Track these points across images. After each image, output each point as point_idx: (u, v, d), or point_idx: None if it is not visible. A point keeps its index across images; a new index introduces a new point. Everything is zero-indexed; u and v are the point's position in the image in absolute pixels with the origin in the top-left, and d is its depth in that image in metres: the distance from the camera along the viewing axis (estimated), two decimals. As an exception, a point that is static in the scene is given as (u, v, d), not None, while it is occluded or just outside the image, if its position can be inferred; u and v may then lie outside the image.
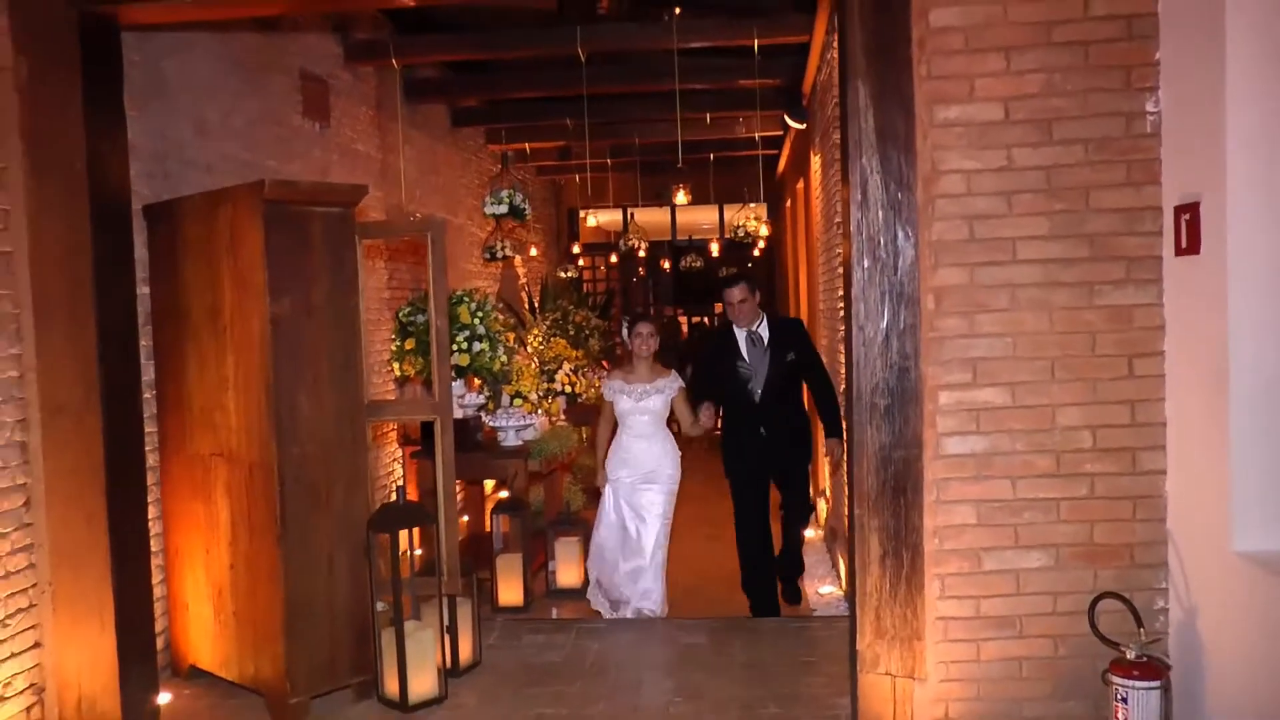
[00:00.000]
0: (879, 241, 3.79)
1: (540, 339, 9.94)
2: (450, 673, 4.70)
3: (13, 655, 3.94)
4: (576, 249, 15.28)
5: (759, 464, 6.19)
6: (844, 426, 5.46)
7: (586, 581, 6.38)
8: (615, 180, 13.65)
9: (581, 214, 15.69)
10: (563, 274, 13.14)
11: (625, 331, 6.15)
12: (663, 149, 11.95)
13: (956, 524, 3.82)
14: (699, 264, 14.21)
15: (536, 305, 11.63)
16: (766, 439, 6.12)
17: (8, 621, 3.93)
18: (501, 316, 7.21)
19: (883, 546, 3.84)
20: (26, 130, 3.90)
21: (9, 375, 3.98)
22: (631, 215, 13.93)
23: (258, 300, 4.23)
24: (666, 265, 17.66)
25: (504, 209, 7.63)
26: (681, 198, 9.34)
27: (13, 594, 3.96)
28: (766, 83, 8.16)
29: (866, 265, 3.81)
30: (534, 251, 12.96)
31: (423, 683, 4.49)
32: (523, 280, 12.73)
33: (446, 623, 4.76)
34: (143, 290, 4.71)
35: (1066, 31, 3.72)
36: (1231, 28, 3.25)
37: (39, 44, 3.90)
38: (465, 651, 4.89)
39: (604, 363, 10.92)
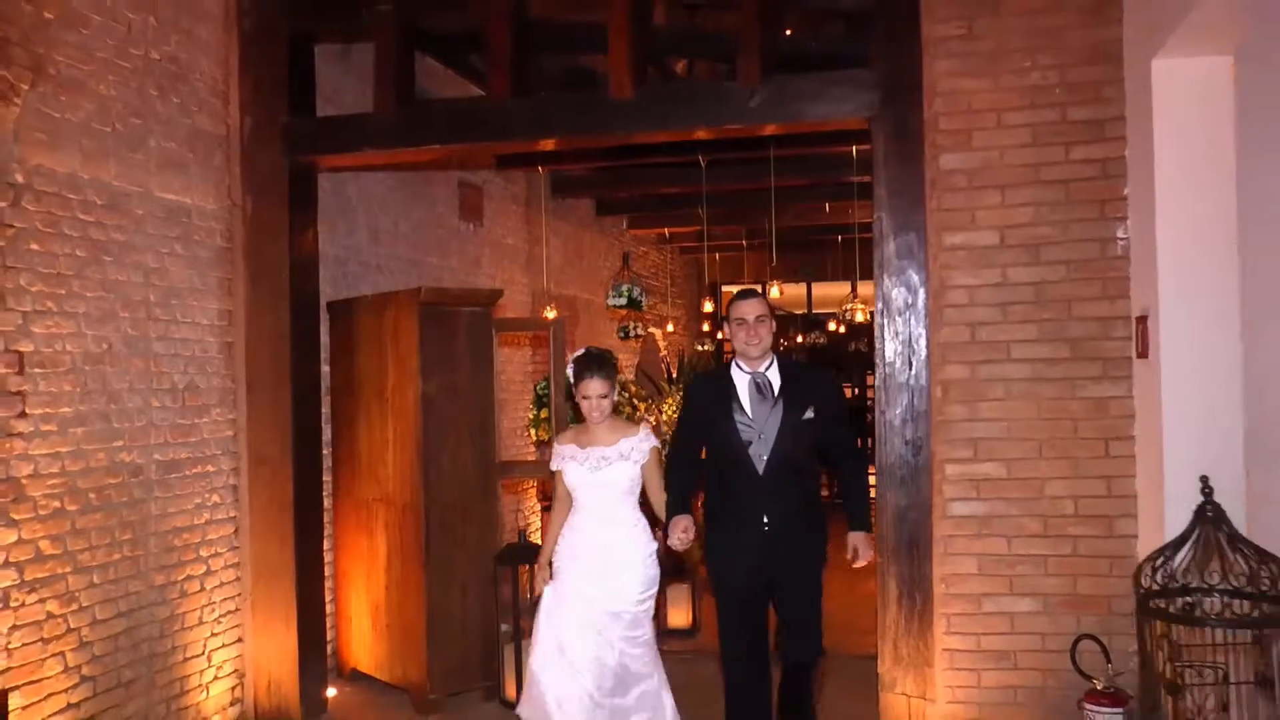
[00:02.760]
0: (898, 342, 4.70)
1: (674, 407, 10.97)
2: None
3: (223, 645, 5.19)
4: (706, 327, 16.29)
5: (758, 566, 4.17)
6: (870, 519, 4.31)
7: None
8: (750, 258, 14.68)
9: (723, 289, 16.78)
10: (700, 347, 14.18)
11: (570, 377, 4.46)
12: (796, 230, 12.96)
13: (960, 573, 4.64)
14: (822, 340, 15.01)
15: (674, 375, 12.70)
16: (770, 533, 4.14)
17: (220, 620, 5.17)
18: (634, 388, 8.24)
19: (899, 589, 4.69)
20: (248, 251, 5.23)
21: (226, 434, 5.26)
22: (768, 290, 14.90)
23: (413, 380, 5.39)
24: (800, 339, 18.50)
25: (623, 301, 8.73)
26: (775, 291, 10.14)
27: (225, 599, 5.21)
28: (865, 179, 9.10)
29: (888, 359, 4.72)
30: (670, 328, 14.06)
31: (533, 691, 5.50)
32: (663, 352, 13.82)
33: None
34: (324, 369, 5.95)
35: (1052, 172, 4.58)
36: (1159, 174, 4.07)
37: (260, 187, 5.24)
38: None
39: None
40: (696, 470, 4.42)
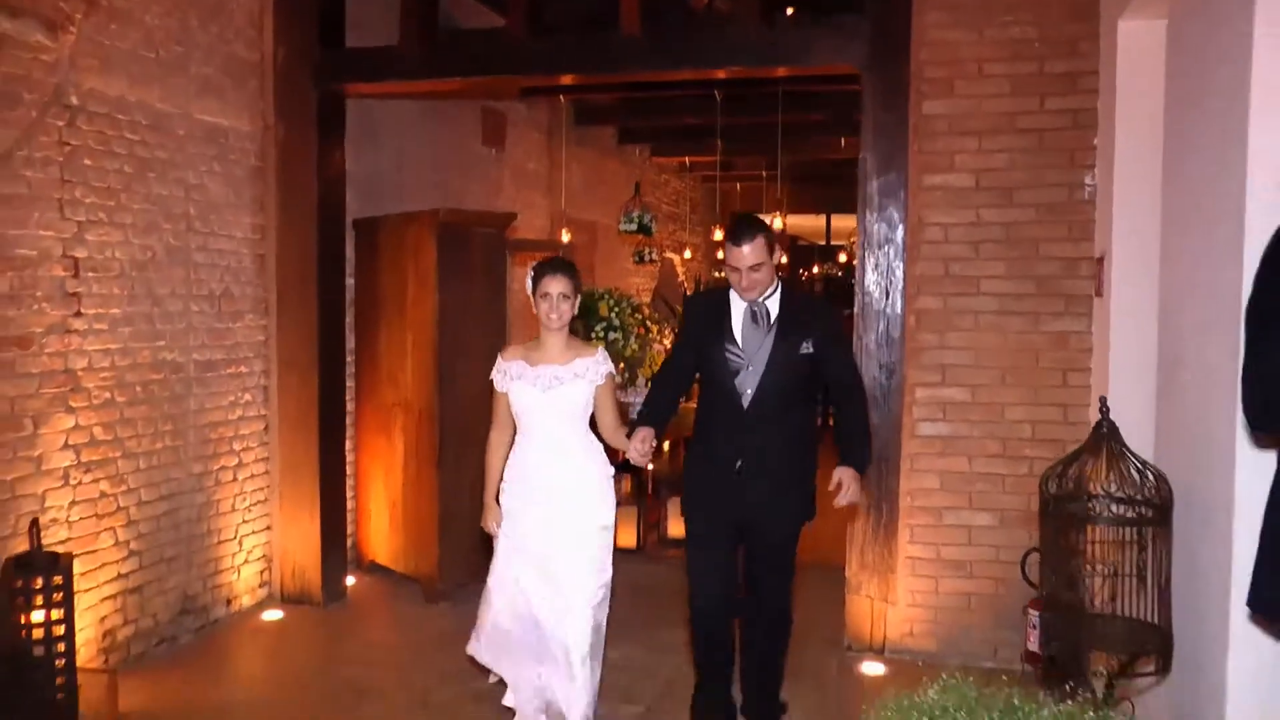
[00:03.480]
0: (877, 273, 5.07)
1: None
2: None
3: (253, 532, 5.72)
4: (721, 255, 16.58)
5: (727, 509, 3.97)
6: (868, 458, 4.07)
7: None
8: (769, 189, 14.95)
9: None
10: (717, 274, 14.53)
11: (530, 287, 4.06)
12: (813, 164, 13.24)
13: (925, 488, 5.06)
14: (838, 271, 15.33)
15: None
16: (743, 477, 3.91)
17: (251, 509, 5.69)
18: (647, 310, 8.64)
19: (868, 501, 5.12)
20: (280, 171, 5.65)
21: (258, 339, 5.72)
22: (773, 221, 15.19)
23: (430, 294, 5.81)
24: (816, 269, 18.81)
25: (634, 227, 9.10)
26: (778, 222, 10.41)
27: (255, 490, 5.73)
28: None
29: (868, 289, 5.09)
30: (688, 254, 14.40)
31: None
32: (681, 278, 14.19)
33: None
34: (350, 281, 6.38)
35: (1026, 121, 4.90)
36: (1119, 127, 4.41)
37: (291, 111, 5.64)
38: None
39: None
40: (678, 394, 4.22)
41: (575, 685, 3.89)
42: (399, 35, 5.59)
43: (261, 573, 5.83)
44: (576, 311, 4.10)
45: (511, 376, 4.06)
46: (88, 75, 4.57)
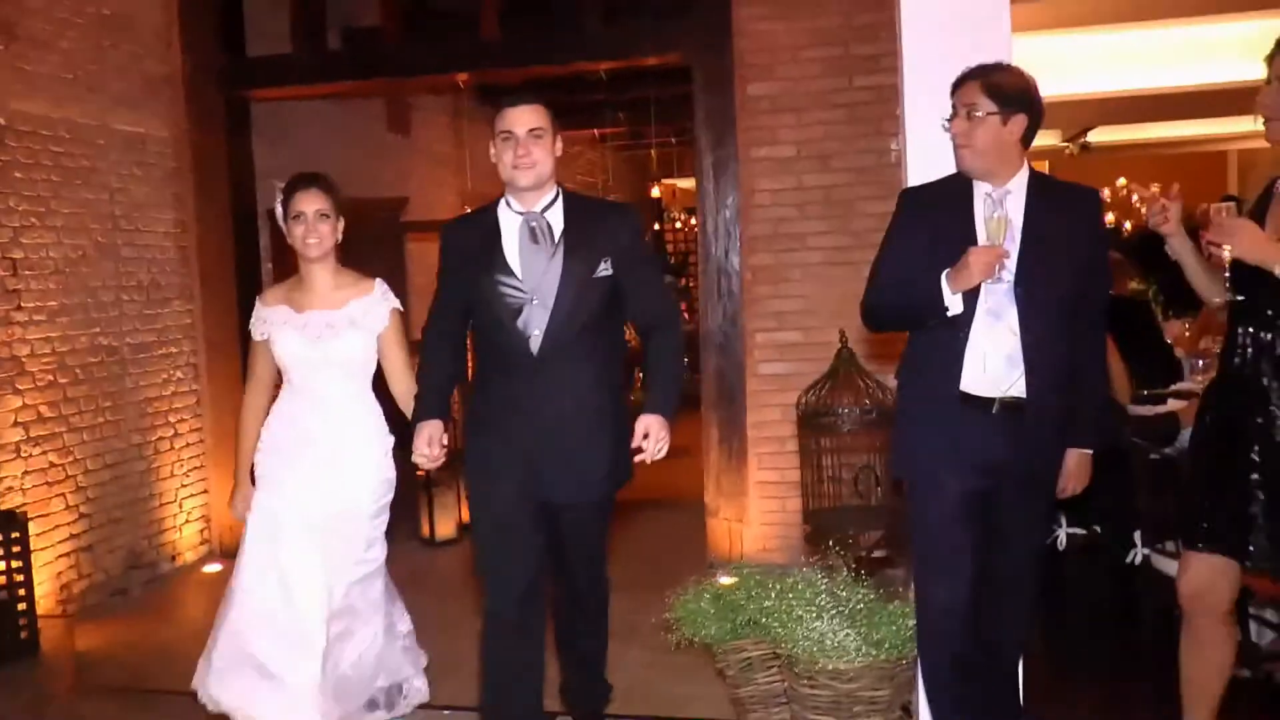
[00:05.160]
0: (715, 236, 5.85)
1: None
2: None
3: (191, 495, 6.46)
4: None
5: (528, 485, 3.17)
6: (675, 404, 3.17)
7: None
8: (682, 154, 15.69)
9: (667, 183, 17.83)
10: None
11: (280, 212, 3.50)
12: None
13: (767, 420, 5.86)
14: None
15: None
16: (543, 440, 3.14)
17: (189, 475, 6.43)
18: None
19: (720, 433, 5.91)
20: (195, 171, 6.34)
21: (185, 322, 6.43)
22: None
23: (337, 274, 6.53)
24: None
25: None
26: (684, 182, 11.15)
27: (191, 458, 6.46)
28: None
29: (710, 253, 5.87)
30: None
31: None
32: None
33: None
34: (268, 267, 7.07)
35: (838, 97, 5.69)
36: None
37: (201, 117, 6.32)
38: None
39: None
40: (458, 360, 3.37)
41: (304, 684, 3.29)
42: (290, 42, 6.28)
43: (201, 531, 6.56)
44: (341, 237, 3.49)
45: (274, 323, 3.45)
46: (12, 98, 5.23)
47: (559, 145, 3.19)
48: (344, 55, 6.49)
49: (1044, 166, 13.10)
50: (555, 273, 3.11)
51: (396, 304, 3.50)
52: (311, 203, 3.40)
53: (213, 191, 6.37)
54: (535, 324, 3.10)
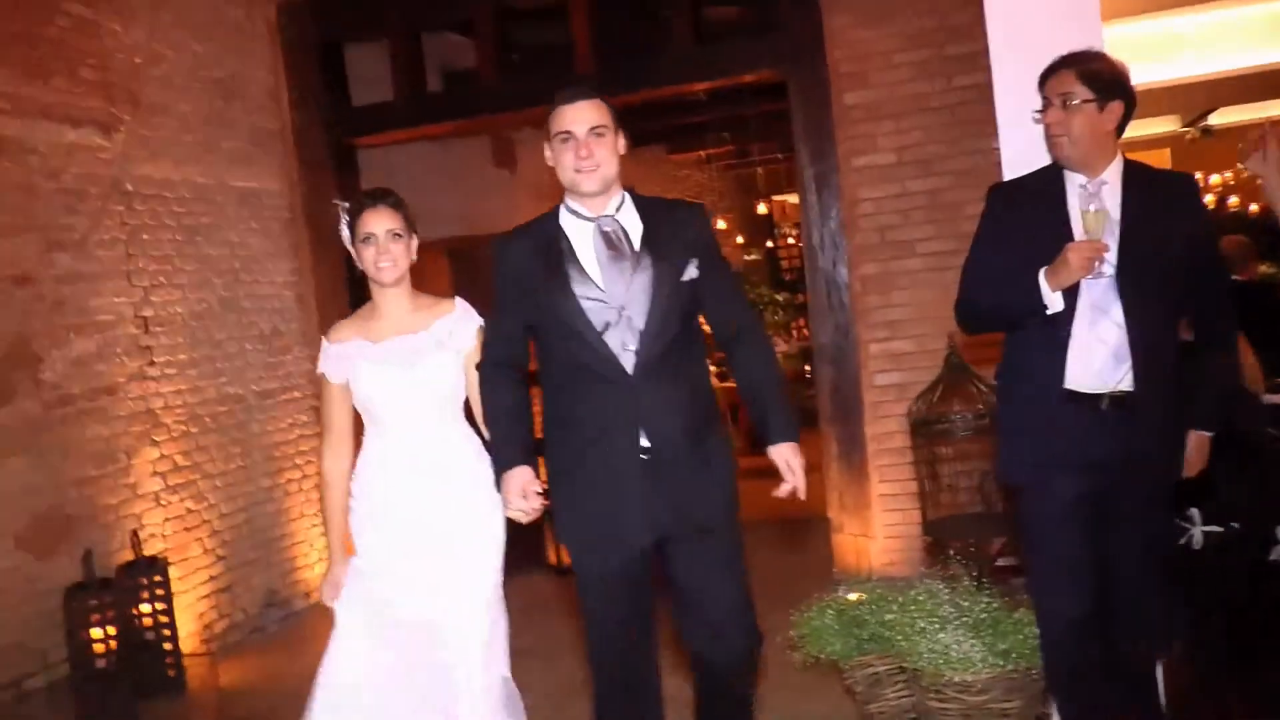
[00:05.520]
0: (821, 249, 5.79)
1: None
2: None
3: (321, 534, 6.62)
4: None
5: (640, 519, 2.75)
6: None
7: None
8: (790, 170, 15.62)
9: (776, 199, 17.77)
10: (746, 257, 15.24)
11: (346, 234, 3.14)
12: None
13: (886, 431, 5.75)
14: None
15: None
16: (653, 462, 2.74)
17: (317, 514, 6.61)
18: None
19: (840, 448, 5.83)
20: (308, 219, 6.56)
21: (307, 367, 6.60)
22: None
23: (449, 311, 6.67)
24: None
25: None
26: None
27: (319, 498, 6.62)
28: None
29: (818, 265, 5.81)
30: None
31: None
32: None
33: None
34: (384, 307, 7.26)
35: (936, 100, 5.58)
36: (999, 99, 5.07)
37: (311, 168, 6.54)
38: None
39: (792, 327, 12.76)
40: (522, 384, 2.94)
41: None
42: (391, 88, 6.46)
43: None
44: (415, 257, 3.15)
45: (351, 359, 3.06)
46: (138, 164, 5.49)
47: (623, 143, 2.85)
48: (444, 97, 6.64)
49: (1165, 153, 12.65)
50: (643, 281, 2.76)
51: (480, 321, 3.12)
52: (382, 222, 3.04)
53: (326, 238, 6.56)
54: (627, 338, 2.75)
